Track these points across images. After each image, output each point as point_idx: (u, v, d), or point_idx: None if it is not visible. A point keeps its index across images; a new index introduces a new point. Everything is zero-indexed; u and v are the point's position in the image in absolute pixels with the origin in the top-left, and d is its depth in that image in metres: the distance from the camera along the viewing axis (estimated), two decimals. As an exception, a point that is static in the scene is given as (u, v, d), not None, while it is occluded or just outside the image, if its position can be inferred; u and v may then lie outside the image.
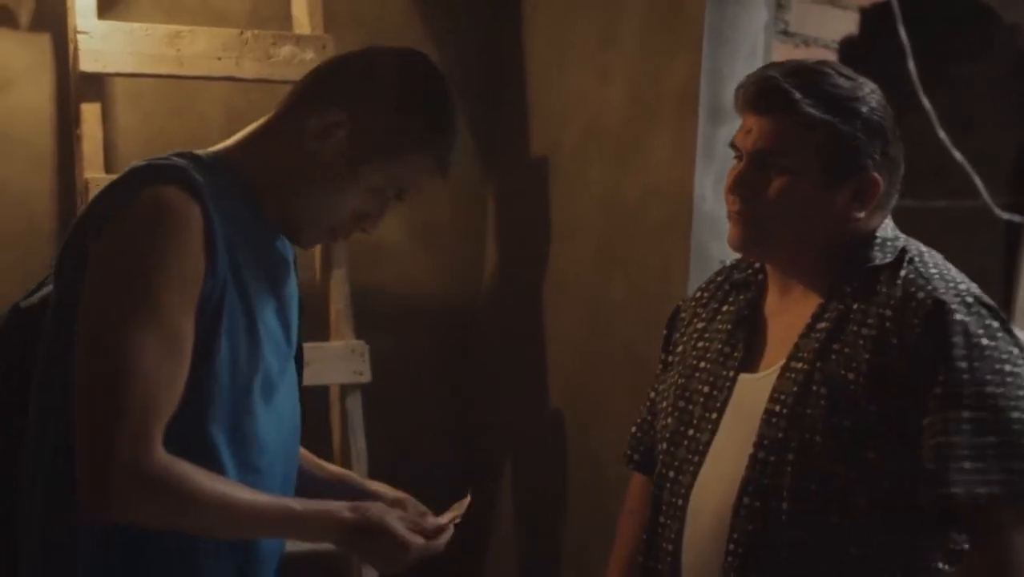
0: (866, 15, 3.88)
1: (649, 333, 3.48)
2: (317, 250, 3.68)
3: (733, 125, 3.44)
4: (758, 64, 3.50)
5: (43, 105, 3.66)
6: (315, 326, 3.59)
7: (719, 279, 2.44)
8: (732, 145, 2.25)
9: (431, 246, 4.21)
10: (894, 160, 2.22)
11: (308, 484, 2.26)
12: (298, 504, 2.00)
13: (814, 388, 2.11)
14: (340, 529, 2.00)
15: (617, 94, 3.76)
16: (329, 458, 3.54)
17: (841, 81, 2.17)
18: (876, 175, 2.18)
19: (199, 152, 2.04)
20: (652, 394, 2.52)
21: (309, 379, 3.50)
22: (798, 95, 2.13)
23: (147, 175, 1.93)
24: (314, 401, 3.59)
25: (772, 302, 2.29)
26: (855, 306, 2.16)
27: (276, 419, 2.08)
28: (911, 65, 4.61)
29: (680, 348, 2.41)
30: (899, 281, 2.15)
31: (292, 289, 2.15)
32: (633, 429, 2.56)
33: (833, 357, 2.13)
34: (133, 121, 3.72)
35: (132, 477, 1.81)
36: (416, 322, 4.19)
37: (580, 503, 3.88)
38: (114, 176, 2.03)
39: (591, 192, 3.85)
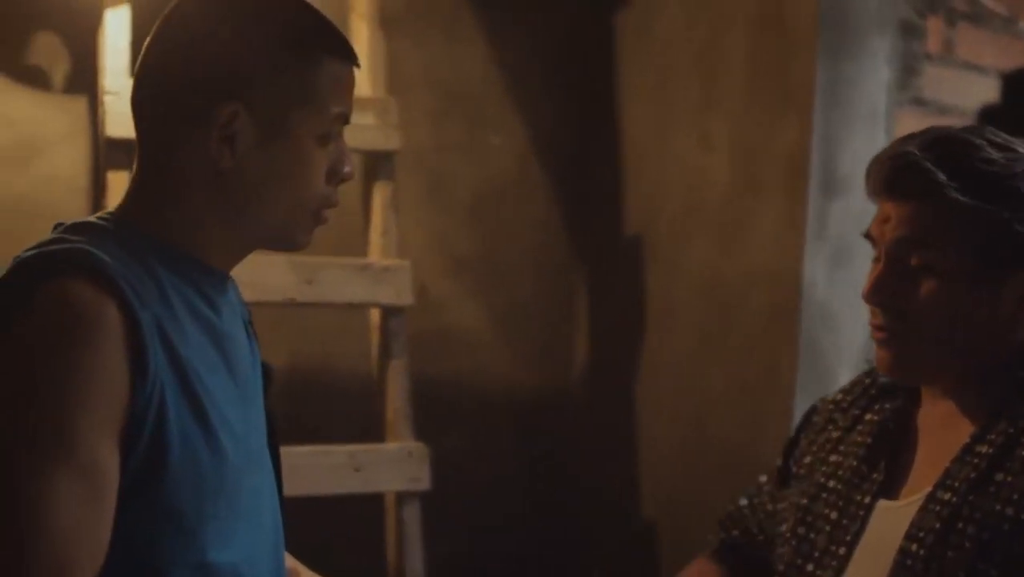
0: (1007, 80, 3.57)
1: (753, 434, 3.21)
2: (373, 339, 3.34)
3: (849, 198, 3.21)
4: (879, 129, 3.26)
5: (76, 174, 3.42)
6: (370, 426, 3.28)
7: (867, 381, 2.09)
8: (867, 236, 1.93)
9: (512, 333, 3.91)
10: None
11: None
12: None
13: (960, 525, 1.77)
14: None
15: (719, 163, 3.48)
16: None
17: (994, 154, 1.82)
18: None
19: (94, 218, 1.69)
20: (767, 501, 2.19)
21: (360, 485, 3.22)
22: (942, 176, 1.80)
23: (43, 266, 1.55)
24: (367, 511, 3.29)
25: (926, 414, 1.96)
26: None
27: (253, 537, 1.73)
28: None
29: (808, 459, 2.08)
30: None
31: (245, 351, 1.80)
32: (731, 508, 2.27)
33: (991, 489, 1.78)
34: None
35: None
36: (491, 421, 3.88)
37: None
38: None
39: (690, 274, 3.59)
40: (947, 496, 1.80)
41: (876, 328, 1.88)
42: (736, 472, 3.32)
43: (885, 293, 1.84)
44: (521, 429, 3.92)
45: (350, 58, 1.74)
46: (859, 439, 1.99)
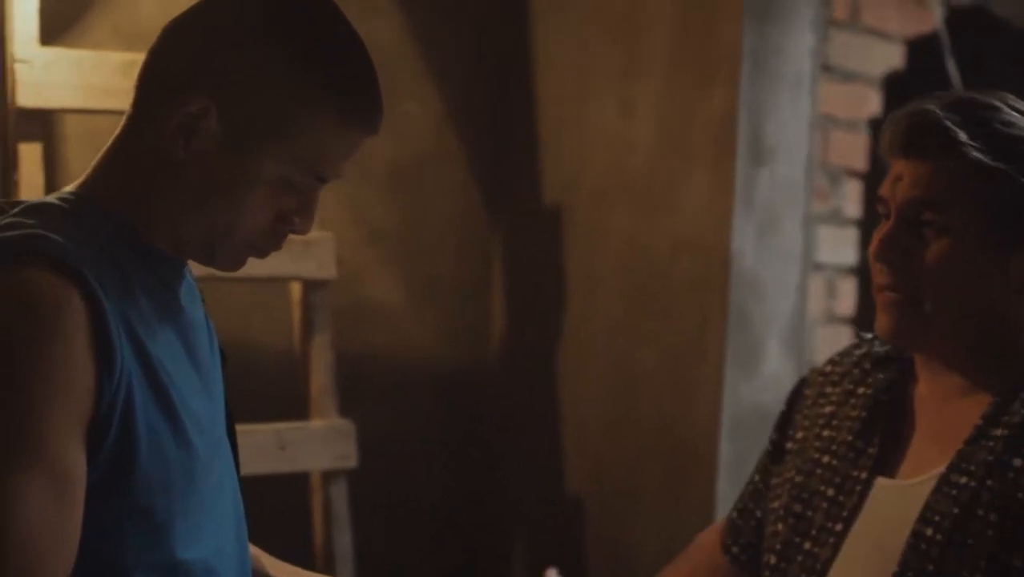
0: (912, 47, 3.58)
1: (684, 407, 3.20)
2: (295, 315, 3.26)
3: (776, 166, 3.18)
4: (804, 96, 3.26)
5: None
6: (294, 403, 3.22)
7: (857, 352, 2.05)
8: (878, 199, 1.87)
9: (430, 307, 3.83)
10: None
11: None
12: None
13: (980, 512, 1.74)
14: None
15: (643, 131, 3.43)
16: (309, 558, 3.13)
17: (1015, 117, 1.81)
18: None
19: (52, 198, 1.59)
20: (756, 478, 2.14)
21: (286, 464, 3.14)
22: (963, 135, 1.78)
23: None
24: (292, 491, 3.21)
25: (924, 388, 1.92)
26: None
27: (220, 529, 1.67)
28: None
29: (800, 434, 2.03)
30: None
31: (204, 336, 1.73)
32: (732, 514, 2.17)
33: (1011, 476, 1.74)
34: (84, 164, 3.28)
35: None
36: (413, 396, 3.80)
37: (605, 604, 3.54)
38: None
39: (614, 244, 3.53)
40: (963, 480, 1.76)
41: (881, 288, 1.83)
42: (665, 443, 3.32)
43: (896, 250, 1.81)
44: (444, 403, 3.86)
45: (367, 130, 1.63)
46: (853, 413, 1.95)
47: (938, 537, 1.75)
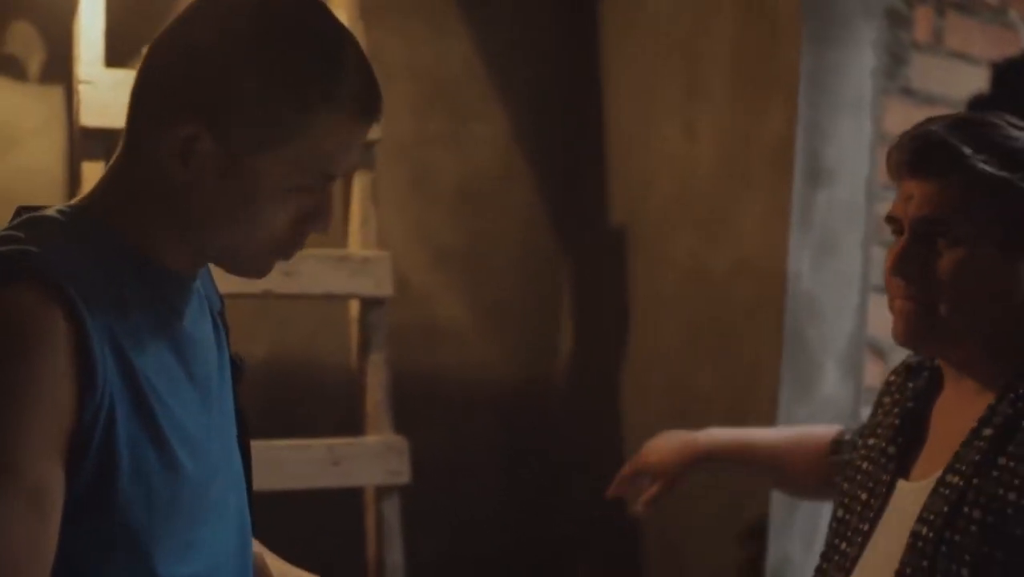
0: (997, 71, 3.53)
1: (737, 427, 3.16)
2: (353, 331, 3.28)
3: (834, 188, 3.16)
4: (865, 118, 3.23)
5: (52, 164, 3.36)
6: (349, 419, 3.24)
7: (911, 362, 2.15)
8: (889, 218, 1.96)
9: (496, 327, 3.85)
10: None
11: None
12: None
13: (966, 509, 1.83)
14: None
15: (704, 153, 3.43)
16: (362, 573, 3.17)
17: (1015, 132, 1.90)
18: None
19: (52, 211, 1.59)
20: None
21: (339, 479, 3.17)
22: (967, 150, 1.86)
23: None
24: (346, 506, 3.25)
25: (946, 393, 2.02)
26: None
27: (217, 545, 1.66)
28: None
29: (859, 442, 2.17)
30: None
31: (211, 350, 1.71)
32: (847, 434, 2.33)
33: (995, 473, 1.83)
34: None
35: None
36: (474, 415, 3.82)
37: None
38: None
39: (676, 265, 3.53)
40: (955, 479, 1.84)
41: (897, 298, 1.91)
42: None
43: (911, 264, 1.88)
44: (504, 423, 3.87)
45: (366, 116, 1.60)
46: (892, 421, 2.05)
47: (930, 535, 1.83)
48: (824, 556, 2.07)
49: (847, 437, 2.30)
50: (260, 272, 1.66)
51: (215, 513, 1.66)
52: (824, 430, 2.40)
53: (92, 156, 3.08)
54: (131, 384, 1.52)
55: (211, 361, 1.71)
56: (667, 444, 2.53)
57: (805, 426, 2.50)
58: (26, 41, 3.36)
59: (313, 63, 1.55)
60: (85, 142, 3.08)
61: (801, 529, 3.14)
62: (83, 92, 3.06)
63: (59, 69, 3.33)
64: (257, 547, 1.88)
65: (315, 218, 1.61)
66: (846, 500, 2.06)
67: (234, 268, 1.65)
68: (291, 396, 3.43)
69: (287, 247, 1.63)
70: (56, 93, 3.37)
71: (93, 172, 3.06)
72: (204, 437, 1.63)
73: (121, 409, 1.49)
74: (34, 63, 3.36)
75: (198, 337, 1.68)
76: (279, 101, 1.53)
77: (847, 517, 2.03)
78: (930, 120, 1.96)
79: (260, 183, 1.55)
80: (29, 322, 1.43)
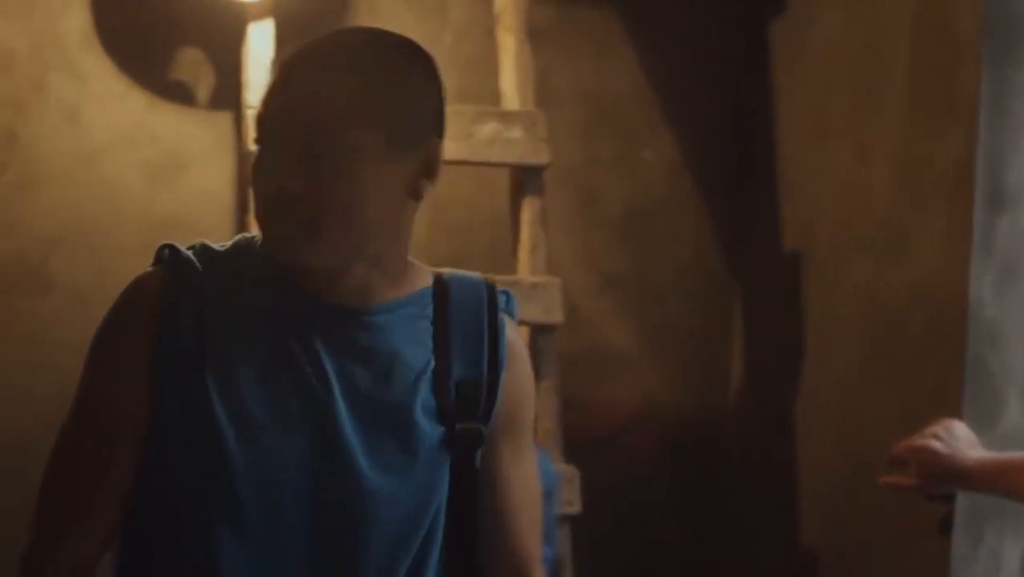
0: None
1: None
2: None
3: (1017, 212, 3.08)
4: None
5: (221, 189, 3.47)
6: None
7: None
8: None
9: (664, 353, 3.85)
10: None
11: None
12: None
13: None
14: None
15: (879, 176, 3.42)
16: None
17: None
18: None
19: (240, 236, 1.79)
20: None
21: None
22: None
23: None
24: None
25: None
26: None
27: (268, 536, 1.67)
28: None
29: None
30: None
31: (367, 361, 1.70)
32: None
33: None
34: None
35: None
36: (645, 442, 3.83)
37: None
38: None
39: (850, 292, 3.52)
40: None
41: None
42: (900, 499, 3.21)
43: None
44: (673, 452, 3.87)
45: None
46: None
47: None
48: None
49: None
50: None
51: (269, 509, 1.65)
52: None
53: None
54: (206, 365, 1.66)
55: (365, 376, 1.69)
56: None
57: None
58: (195, 67, 3.45)
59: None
60: (249, 166, 3.14)
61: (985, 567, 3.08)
62: (251, 118, 3.10)
63: (228, 95, 3.42)
64: None
65: None
66: None
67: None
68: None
69: None
70: (224, 119, 3.46)
71: (262, 199, 3.12)
72: (282, 445, 1.66)
73: (174, 384, 1.66)
74: (203, 89, 3.46)
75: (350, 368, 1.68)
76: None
77: None
78: None
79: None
80: (131, 288, 1.69)
